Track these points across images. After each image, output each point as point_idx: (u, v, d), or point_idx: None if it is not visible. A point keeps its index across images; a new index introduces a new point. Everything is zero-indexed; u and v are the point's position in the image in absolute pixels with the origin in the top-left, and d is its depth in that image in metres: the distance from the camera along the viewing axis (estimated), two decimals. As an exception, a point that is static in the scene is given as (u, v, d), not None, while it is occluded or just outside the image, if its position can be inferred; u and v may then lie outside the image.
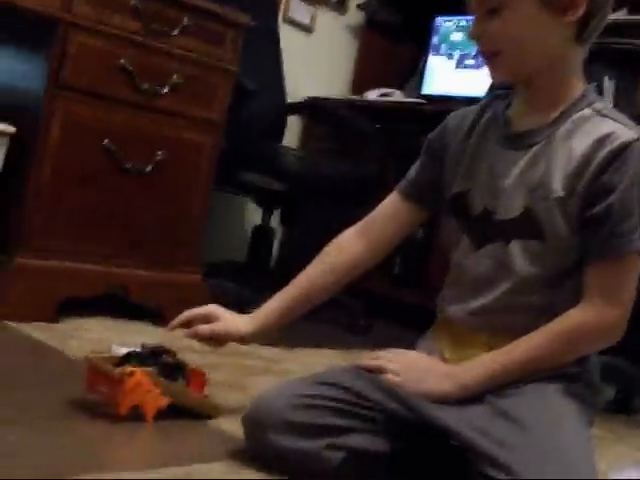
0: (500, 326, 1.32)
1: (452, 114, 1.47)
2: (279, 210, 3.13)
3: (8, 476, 1.05)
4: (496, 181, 1.34)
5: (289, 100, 3.27)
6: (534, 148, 1.31)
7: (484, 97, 1.46)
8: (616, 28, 3.97)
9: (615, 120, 1.28)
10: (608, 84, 4.00)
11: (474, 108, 1.44)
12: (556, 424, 1.20)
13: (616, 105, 3.99)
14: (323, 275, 1.58)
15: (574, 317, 1.27)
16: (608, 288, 1.27)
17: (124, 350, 1.44)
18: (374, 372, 1.33)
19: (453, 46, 3.50)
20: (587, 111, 1.30)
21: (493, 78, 1.35)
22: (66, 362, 1.73)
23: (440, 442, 1.30)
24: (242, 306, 2.62)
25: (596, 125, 1.28)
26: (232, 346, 2.19)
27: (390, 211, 1.50)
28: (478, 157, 1.38)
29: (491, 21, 1.27)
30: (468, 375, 1.29)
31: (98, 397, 1.40)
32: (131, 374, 1.35)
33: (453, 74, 3.48)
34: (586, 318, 1.27)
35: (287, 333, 2.60)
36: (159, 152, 2.22)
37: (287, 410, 1.24)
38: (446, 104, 3.32)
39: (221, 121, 2.36)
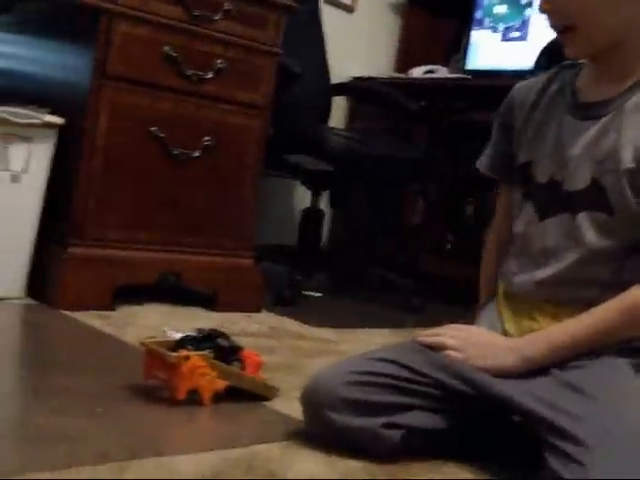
0: (566, 298, 1.30)
1: (517, 86, 1.45)
2: (328, 192, 3.13)
3: (69, 461, 1.07)
4: (563, 151, 1.32)
5: (334, 81, 3.26)
6: (603, 119, 1.28)
7: (552, 69, 1.43)
8: None
9: None
10: None
11: (540, 79, 1.42)
12: (623, 397, 1.18)
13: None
14: None
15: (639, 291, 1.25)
16: None
17: (179, 335, 1.45)
18: (434, 349, 1.31)
19: (497, 19, 3.45)
20: None
21: (567, 54, 1.31)
22: (123, 348, 1.75)
23: (500, 419, 1.29)
24: (292, 288, 2.64)
25: None
26: (287, 328, 2.22)
27: (502, 211, 1.50)
28: (545, 127, 1.36)
29: None
30: (532, 348, 1.27)
31: (155, 382, 1.42)
32: (187, 358, 1.36)
33: (498, 48, 3.44)
34: None
35: (343, 314, 2.63)
36: (206, 137, 2.23)
37: (343, 388, 1.24)
38: (492, 79, 3.29)
39: (267, 104, 2.36)
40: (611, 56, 1.29)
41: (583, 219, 1.28)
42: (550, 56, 2.14)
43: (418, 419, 1.26)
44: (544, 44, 2.19)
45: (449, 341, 1.31)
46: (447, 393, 1.27)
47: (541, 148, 1.35)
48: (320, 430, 1.27)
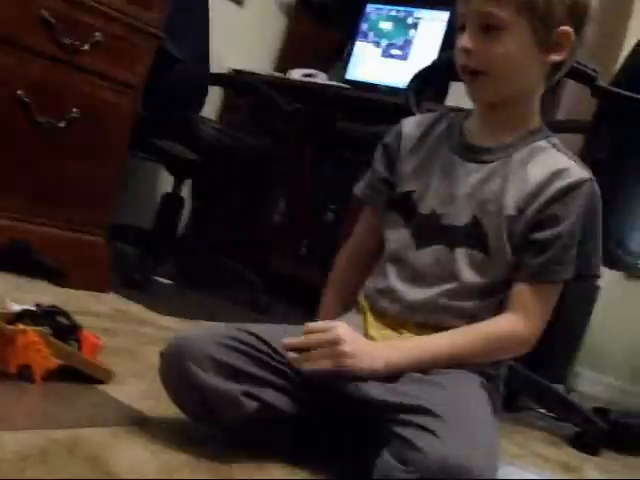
0: (432, 324, 1.37)
1: (406, 119, 1.52)
2: (190, 180, 3.11)
3: None
4: (449, 188, 1.40)
5: (212, 70, 3.25)
6: (491, 164, 1.38)
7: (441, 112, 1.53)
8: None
9: (569, 157, 1.38)
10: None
11: (429, 116, 1.51)
12: (470, 397, 1.27)
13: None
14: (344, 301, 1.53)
15: (499, 325, 1.36)
16: (533, 307, 1.36)
17: (18, 307, 1.42)
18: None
19: (381, 34, 3.52)
20: (543, 143, 1.40)
21: (471, 96, 1.40)
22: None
23: (348, 416, 1.32)
24: (142, 272, 2.62)
25: (552, 157, 1.38)
26: (132, 312, 2.19)
27: (367, 228, 1.54)
28: (431, 162, 1.44)
29: (486, 39, 1.32)
30: (398, 355, 1.31)
31: (-13, 353, 1.38)
32: (23, 332, 1.33)
33: (378, 62, 3.51)
34: (508, 328, 1.36)
35: (190, 305, 2.62)
36: (74, 109, 2.18)
37: (213, 347, 1.24)
38: (368, 91, 3.35)
39: (140, 85, 2.33)
40: (507, 105, 1.39)
41: (460, 254, 1.37)
42: (423, 80, 2.20)
43: (271, 396, 1.28)
44: (421, 67, 2.24)
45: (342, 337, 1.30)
46: (302, 379, 1.29)
47: (425, 181, 1.43)
48: (180, 388, 1.26)
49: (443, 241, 1.38)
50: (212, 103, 3.46)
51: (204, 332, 1.31)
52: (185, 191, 3.08)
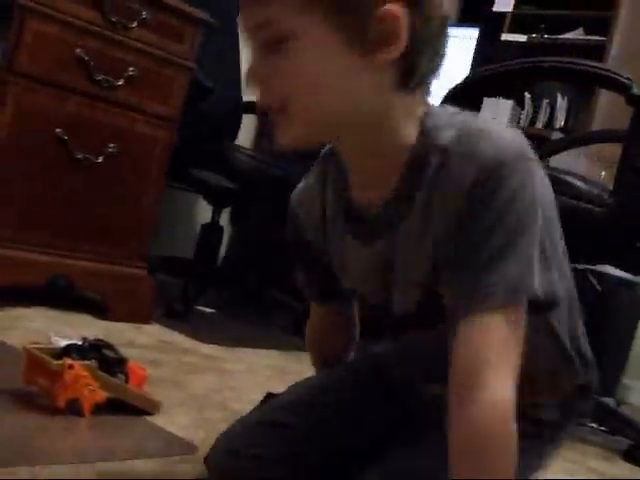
0: None
1: (295, 199, 1.14)
2: (229, 209, 3.13)
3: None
4: (367, 279, 1.06)
5: (245, 99, 3.27)
6: (379, 243, 1.00)
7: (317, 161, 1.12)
8: (572, 47, 4.05)
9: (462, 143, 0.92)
10: (561, 102, 4.07)
11: (313, 179, 1.11)
12: None
13: (566, 124, 4.06)
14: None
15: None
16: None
17: (64, 342, 1.44)
18: None
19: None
20: (434, 160, 0.93)
21: (278, 143, 0.95)
22: (6, 352, 1.71)
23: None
24: (184, 302, 2.63)
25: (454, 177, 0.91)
26: (175, 342, 2.21)
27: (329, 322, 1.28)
28: (341, 250, 1.06)
29: (274, 60, 0.90)
30: None
31: (36, 388, 1.40)
32: (70, 367, 1.34)
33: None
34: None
35: (233, 332, 2.63)
36: (111, 144, 2.21)
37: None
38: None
39: (176, 117, 2.35)
40: (355, 146, 0.97)
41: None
42: (455, 99, 2.19)
43: None
44: (452, 86, 2.24)
45: None
46: None
47: (350, 277, 1.09)
48: None
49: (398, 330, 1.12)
50: (247, 131, 3.48)
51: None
52: (224, 219, 3.10)
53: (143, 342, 2.11)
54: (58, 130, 2.11)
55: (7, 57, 2.00)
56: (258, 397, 1.79)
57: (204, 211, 3.24)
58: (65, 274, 2.20)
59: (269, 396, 1.30)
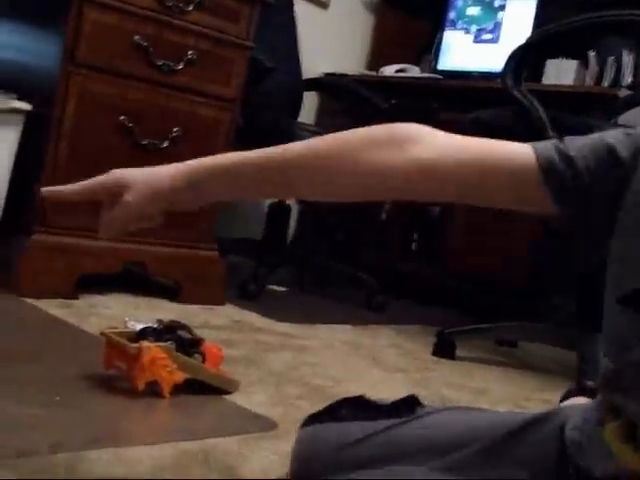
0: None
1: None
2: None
3: (28, 450, 1.06)
4: None
5: (305, 76, 3.26)
6: None
7: None
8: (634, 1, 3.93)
9: None
10: (627, 59, 3.96)
11: None
12: None
13: (635, 79, 3.95)
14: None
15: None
16: None
17: (140, 325, 1.45)
18: None
19: (470, 21, 3.48)
20: None
21: None
22: (84, 338, 1.74)
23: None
24: (256, 282, 2.64)
25: None
26: (249, 322, 2.22)
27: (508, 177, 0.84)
28: None
29: None
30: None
31: (115, 372, 1.42)
32: (147, 349, 1.35)
33: (470, 49, 3.46)
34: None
35: (306, 310, 2.64)
36: (175, 128, 2.22)
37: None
38: (462, 79, 3.31)
39: (237, 97, 2.36)
40: None
41: None
42: (518, 61, 2.15)
43: None
44: (514, 48, 2.20)
45: None
46: None
47: None
48: None
49: None
50: (309, 109, 3.47)
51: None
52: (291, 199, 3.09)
53: (217, 323, 2.12)
54: (122, 118, 2.13)
55: (67, 48, 2.02)
56: (335, 373, 1.81)
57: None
58: (139, 260, 2.23)
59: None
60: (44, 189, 1.03)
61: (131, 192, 0.98)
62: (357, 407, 1.08)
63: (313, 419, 1.09)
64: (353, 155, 0.88)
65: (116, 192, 1.00)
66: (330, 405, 1.11)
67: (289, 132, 2.78)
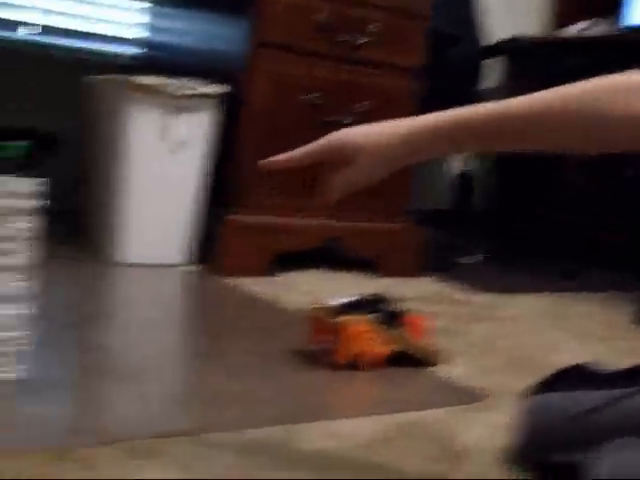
0: None
1: None
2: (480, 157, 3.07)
3: (242, 423, 1.09)
4: None
5: (487, 42, 3.18)
6: None
7: None
8: None
9: None
10: None
11: None
12: None
13: None
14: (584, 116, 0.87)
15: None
16: None
17: (342, 300, 1.46)
18: None
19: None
20: None
21: None
22: (285, 314, 1.77)
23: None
24: (450, 253, 2.62)
25: None
26: (446, 294, 2.19)
27: None
28: None
29: None
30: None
31: (319, 347, 1.43)
32: (351, 323, 1.36)
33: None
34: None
35: (502, 279, 2.58)
36: (361, 103, 2.22)
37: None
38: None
39: (420, 67, 2.33)
40: None
41: None
42: None
43: None
44: None
45: None
46: None
47: None
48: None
49: None
50: (493, 75, 3.39)
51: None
52: (476, 168, 3.04)
53: (415, 295, 2.11)
54: (309, 95, 2.14)
55: (254, 30, 2.05)
56: (536, 343, 1.76)
57: (456, 160, 3.19)
58: (336, 236, 2.25)
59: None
60: (261, 161, 1.05)
61: (363, 153, 0.98)
62: (577, 376, 1.04)
63: (541, 388, 1.06)
64: (618, 99, 0.84)
65: (342, 154, 0.99)
66: (553, 374, 1.07)
67: (474, 100, 2.73)
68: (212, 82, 2.09)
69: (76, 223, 2.38)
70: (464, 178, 3.03)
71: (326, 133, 2.18)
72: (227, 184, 2.11)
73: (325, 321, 1.39)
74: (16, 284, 1.13)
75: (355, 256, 2.32)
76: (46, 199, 1.13)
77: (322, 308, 1.44)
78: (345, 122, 2.20)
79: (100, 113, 2.19)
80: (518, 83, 3.45)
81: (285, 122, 2.13)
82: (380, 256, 2.30)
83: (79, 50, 2.64)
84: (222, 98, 2.10)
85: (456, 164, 3.11)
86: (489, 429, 1.19)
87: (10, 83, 2.47)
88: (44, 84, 2.52)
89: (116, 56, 2.71)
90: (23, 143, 1.10)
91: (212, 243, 2.10)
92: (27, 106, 2.41)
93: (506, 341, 1.75)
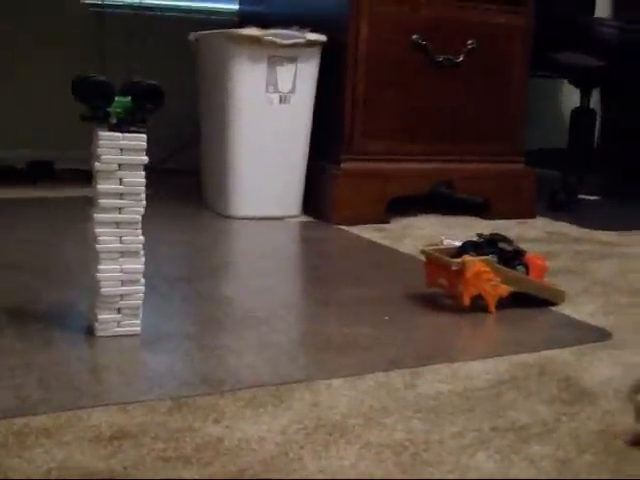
0: None
1: None
2: (598, 89, 2.96)
3: (361, 368, 1.08)
4: None
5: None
6: None
7: None
8: None
9: None
10: None
11: None
12: None
13: None
14: None
15: None
16: None
17: (457, 243, 1.43)
18: None
19: None
20: None
21: None
22: (401, 259, 1.76)
23: None
24: (566, 192, 2.54)
25: None
26: (564, 233, 2.14)
27: None
28: None
29: None
30: None
31: (438, 290, 1.41)
32: (470, 264, 1.33)
33: None
34: None
35: (621, 216, 2.50)
36: (469, 41, 2.16)
37: None
38: None
39: (530, 0, 2.25)
40: None
41: None
42: None
43: None
44: None
45: None
46: None
47: None
48: None
49: None
50: (604, 2, 3.26)
51: None
52: (594, 101, 2.94)
53: (532, 236, 2.06)
54: (415, 36, 2.10)
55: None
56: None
57: (571, 96, 3.09)
58: (447, 179, 2.21)
59: None
60: None
61: None
62: None
63: None
64: None
65: None
66: None
67: (588, 30, 2.63)
68: (315, 30, 2.07)
69: (184, 179, 2.42)
70: (582, 114, 2.92)
71: (435, 73, 2.16)
72: (336, 133, 2.09)
73: (444, 262, 1.37)
74: (131, 239, 1.14)
75: (467, 199, 2.28)
76: (153, 155, 1.14)
77: (439, 249, 1.41)
78: (457, 61, 2.15)
79: (207, 68, 2.20)
80: (631, 11, 3.31)
81: (393, 65, 2.10)
82: (493, 198, 2.25)
83: (183, 9, 2.66)
84: (326, 46, 2.07)
85: (574, 99, 3.01)
86: (618, 368, 1.15)
87: (120, 43, 2.51)
88: (152, 43, 2.55)
89: (219, 12, 2.72)
90: (129, 98, 1.11)
91: (321, 193, 2.10)
92: (136, 66, 2.45)
93: (632, 278, 1.69)
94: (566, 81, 3.03)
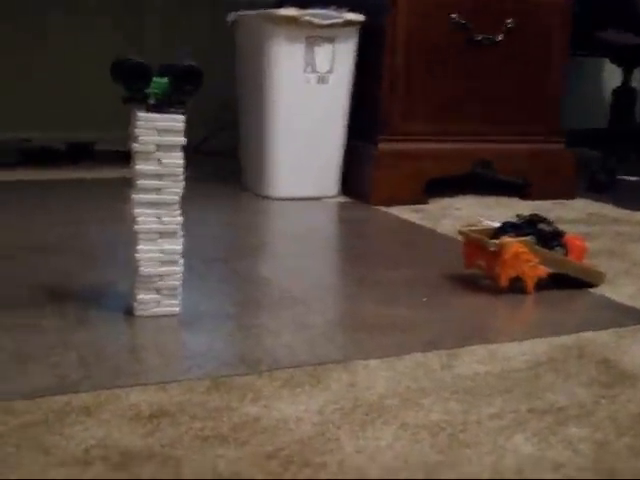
0: None
1: None
2: (640, 68, 2.91)
3: (399, 349, 1.08)
4: None
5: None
6: None
7: None
8: None
9: None
10: None
11: None
12: None
13: None
14: None
15: None
16: None
17: (496, 224, 1.42)
18: None
19: None
20: None
21: None
22: (440, 240, 1.75)
23: None
24: (607, 172, 2.51)
25: None
26: (605, 214, 2.11)
27: None
28: None
29: None
30: None
31: (476, 271, 1.40)
32: (509, 245, 1.32)
33: None
34: None
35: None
36: (509, 20, 2.14)
37: None
38: None
39: (570, -23, 2.22)
40: None
41: None
42: None
43: None
44: None
45: None
46: None
47: None
48: None
49: None
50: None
51: None
52: (636, 80, 2.89)
53: (572, 217, 2.05)
54: (454, 15, 2.08)
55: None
56: None
57: (613, 75, 3.05)
58: (487, 159, 2.20)
59: None
60: None
61: None
62: None
63: None
64: None
65: None
66: None
67: (630, 8, 2.58)
68: (353, 10, 2.06)
69: (223, 160, 2.42)
70: (624, 93, 2.88)
71: (475, 53, 2.14)
72: (374, 113, 2.09)
73: (483, 243, 1.36)
74: (170, 220, 1.15)
75: (506, 179, 2.27)
76: (191, 136, 1.14)
77: (478, 230, 1.41)
78: (497, 40, 2.13)
79: (245, 49, 2.20)
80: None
81: (430, 45, 2.08)
82: (532, 178, 2.23)
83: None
84: (364, 26, 2.06)
85: (616, 78, 2.97)
86: (658, 350, 1.14)
87: (156, 24, 2.52)
88: (189, 24, 2.55)
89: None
90: (167, 79, 1.11)
91: (359, 174, 2.09)
92: (171, 48, 2.46)
93: (672, 260, 1.68)
94: (608, 60, 2.98)
